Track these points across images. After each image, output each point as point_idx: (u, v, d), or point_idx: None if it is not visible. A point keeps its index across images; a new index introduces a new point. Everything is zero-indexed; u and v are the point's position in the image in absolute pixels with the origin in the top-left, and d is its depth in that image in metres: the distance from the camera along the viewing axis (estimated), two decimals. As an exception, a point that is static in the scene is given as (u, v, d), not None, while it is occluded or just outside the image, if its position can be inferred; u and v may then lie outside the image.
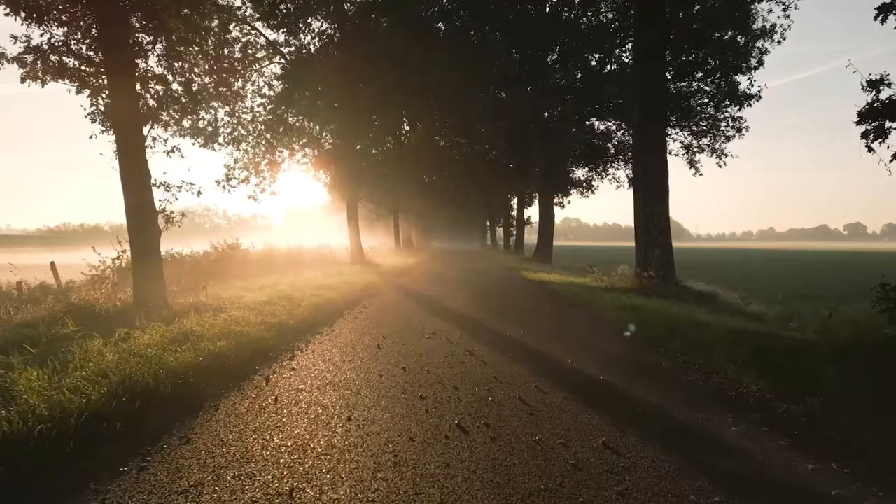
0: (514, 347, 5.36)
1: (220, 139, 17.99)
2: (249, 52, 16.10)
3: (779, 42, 16.09)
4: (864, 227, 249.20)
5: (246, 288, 10.03)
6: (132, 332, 4.86)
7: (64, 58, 6.97)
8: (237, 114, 16.89)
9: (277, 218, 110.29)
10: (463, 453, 2.64)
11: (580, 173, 27.51)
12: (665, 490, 2.28)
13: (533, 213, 40.91)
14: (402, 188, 29.88)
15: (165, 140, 8.16)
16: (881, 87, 5.25)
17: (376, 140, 25.96)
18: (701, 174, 21.99)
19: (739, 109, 18.04)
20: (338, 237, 26.33)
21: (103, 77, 7.06)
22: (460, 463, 2.53)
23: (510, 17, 22.10)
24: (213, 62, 9.51)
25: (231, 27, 14.15)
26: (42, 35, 6.82)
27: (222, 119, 15.83)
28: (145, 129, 7.20)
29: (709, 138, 21.05)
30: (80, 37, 7.08)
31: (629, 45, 21.50)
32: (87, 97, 7.43)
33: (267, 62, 18.54)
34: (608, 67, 22.91)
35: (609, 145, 25.50)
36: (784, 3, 15.24)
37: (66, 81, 7.09)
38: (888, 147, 5.15)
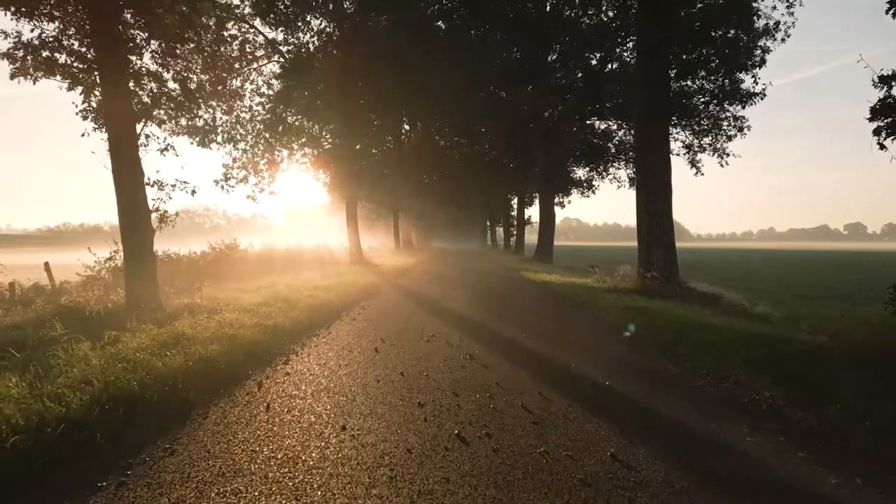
0: (515, 350, 5.20)
1: (219, 138, 17.90)
2: (248, 50, 15.95)
3: (782, 40, 15.94)
4: (865, 227, 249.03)
5: (243, 289, 9.87)
6: (121, 336, 4.71)
7: (55, 54, 6.81)
8: (235, 112, 16.77)
9: (277, 218, 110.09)
10: (463, 466, 2.49)
11: (581, 173, 27.35)
12: (680, 508, 2.12)
13: (533, 212, 40.82)
14: (402, 188, 29.71)
15: (160, 138, 8.01)
16: (893, 83, 5.11)
17: (376, 140, 25.83)
18: (702, 174, 21.82)
19: (744, 107, 17.89)
20: (337, 237, 26.19)
21: (95, 74, 6.90)
22: (460, 478, 2.38)
23: (511, 16, 21.93)
24: (209, 59, 9.35)
25: (229, 25, 14.02)
26: (33, 31, 6.68)
27: (220, 118, 15.69)
28: (139, 127, 7.04)
29: (710, 138, 20.89)
30: (72, 32, 6.93)
31: (630, 44, 21.35)
32: (80, 94, 7.28)
33: (266, 61, 18.39)
34: (609, 66, 22.74)
35: (610, 145, 25.33)
36: (788, 1, 15.10)
37: (58, 78, 6.93)
38: (902, 144, 5.00)
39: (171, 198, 7.37)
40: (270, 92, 18.62)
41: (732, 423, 3.13)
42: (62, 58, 6.85)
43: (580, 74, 24.00)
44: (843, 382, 3.78)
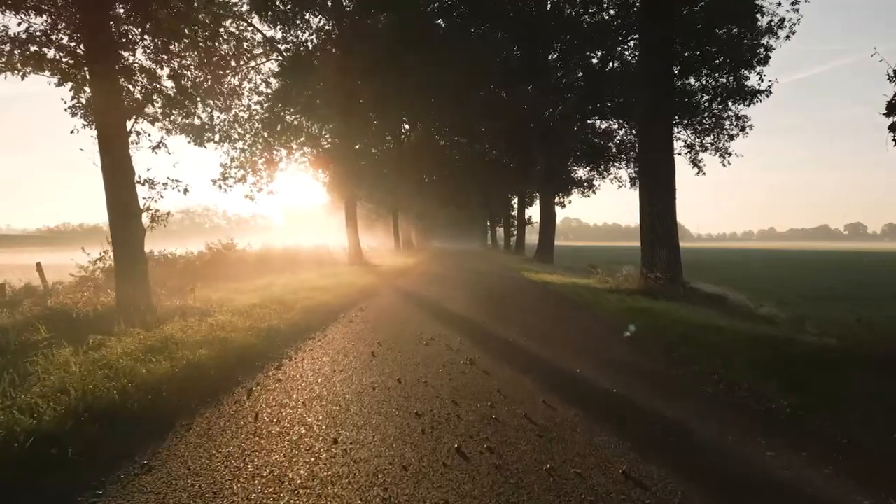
0: (517, 354, 5.01)
1: (217, 137, 17.70)
2: (246, 48, 15.73)
3: (787, 37, 15.74)
4: (865, 227, 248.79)
5: (239, 290, 9.70)
6: (107, 340, 4.52)
7: (44, 49, 6.61)
8: (233, 111, 16.57)
9: (277, 218, 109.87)
10: (463, 486, 2.30)
11: (581, 172, 27.15)
12: (701, 535, 1.93)
13: (533, 212, 40.58)
14: (402, 188, 29.52)
15: (154, 136, 7.83)
16: (909, 78, 4.92)
17: (376, 139, 25.63)
18: (704, 173, 21.63)
19: (749, 105, 17.68)
20: (336, 237, 26.01)
21: (85, 69, 6.71)
22: (460, 499, 2.18)
23: (511, 14, 21.75)
24: (204, 57, 9.15)
25: (228, 23, 13.82)
26: (20, 24, 6.48)
27: (217, 116, 15.49)
28: (129, 124, 6.85)
29: (712, 137, 20.70)
30: (61, 26, 6.74)
31: (631, 43, 21.17)
32: (70, 90, 7.09)
33: (264, 59, 18.20)
34: (610, 65, 22.56)
35: (611, 144, 25.13)
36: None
37: (47, 74, 6.74)
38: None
39: (162, 196, 7.17)
40: (269, 91, 18.44)
41: (749, 435, 2.94)
42: (51, 52, 6.66)
43: (581, 73, 23.82)
44: (862, 390, 3.60)
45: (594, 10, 21.45)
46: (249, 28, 16.73)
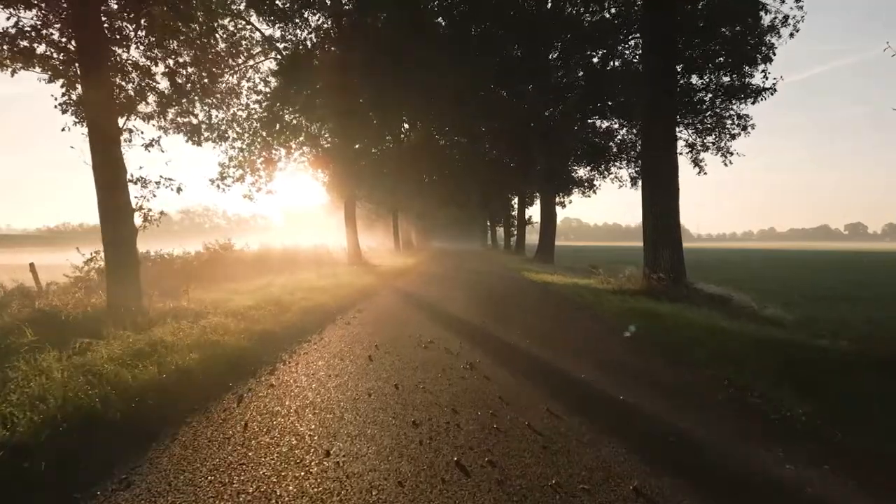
0: (519, 358, 4.85)
1: (215, 135, 17.55)
2: (243, 45, 15.59)
3: (791, 35, 15.56)
4: (865, 227, 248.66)
5: (235, 290, 9.54)
6: (94, 344, 4.36)
7: (34, 44, 6.46)
8: (231, 110, 16.43)
9: (277, 218, 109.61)
10: (463, 504, 2.14)
11: (582, 172, 26.96)
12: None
13: (534, 212, 40.46)
14: (402, 188, 29.33)
15: (148, 134, 7.67)
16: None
17: (375, 139, 25.43)
18: (705, 173, 21.45)
19: (754, 102, 17.49)
20: (336, 237, 25.86)
21: (76, 65, 6.55)
22: (460, 519, 2.03)
23: (511, 13, 21.58)
24: (199, 53, 8.99)
25: (225, 21, 13.68)
26: (9, 19, 6.32)
27: (215, 115, 15.35)
28: (121, 121, 6.70)
29: (713, 136, 20.51)
30: (52, 21, 6.59)
31: (632, 42, 21.01)
32: (61, 87, 6.93)
33: (262, 58, 18.04)
34: (611, 64, 22.38)
35: (612, 144, 24.94)
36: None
37: (37, 69, 6.59)
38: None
39: (154, 196, 7.00)
40: (267, 90, 18.28)
41: (765, 446, 2.78)
42: (41, 48, 6.51)
43: (581, 73, 23.64)
44: (882, 398, 3.44)
45: (595, 9, 21.27)
46: (248, 26, 16.57)
